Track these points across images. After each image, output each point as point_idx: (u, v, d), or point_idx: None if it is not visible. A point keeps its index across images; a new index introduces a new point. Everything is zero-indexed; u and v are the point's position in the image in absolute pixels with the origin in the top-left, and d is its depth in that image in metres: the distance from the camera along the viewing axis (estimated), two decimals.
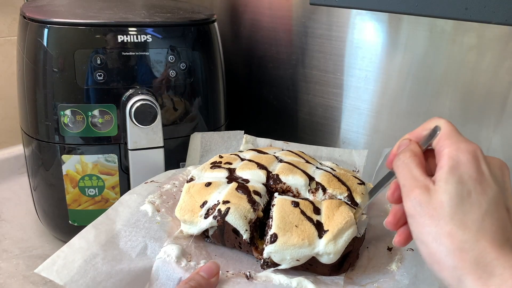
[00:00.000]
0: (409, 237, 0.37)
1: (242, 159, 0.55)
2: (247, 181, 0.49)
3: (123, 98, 0.62)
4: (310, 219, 0.44)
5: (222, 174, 0.51)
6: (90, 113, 0.61)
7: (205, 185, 0.49)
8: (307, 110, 0.83)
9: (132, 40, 0.61)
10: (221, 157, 0.56)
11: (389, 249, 0.48)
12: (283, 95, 0.86)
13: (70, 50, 0.59)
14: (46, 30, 0.59)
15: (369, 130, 0.77)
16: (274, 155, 0.55)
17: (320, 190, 0.49)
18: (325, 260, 0.43)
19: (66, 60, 0.60)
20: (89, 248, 0.43)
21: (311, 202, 0.47)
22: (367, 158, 0.64)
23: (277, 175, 0.50)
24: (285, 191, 0.49)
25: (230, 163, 0.54)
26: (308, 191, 0.49)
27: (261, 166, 0.52)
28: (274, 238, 0.43)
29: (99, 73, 0.60)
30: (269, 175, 0.50)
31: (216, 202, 0.46)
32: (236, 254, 0.47)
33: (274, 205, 0.46)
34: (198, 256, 0.45)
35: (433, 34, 0.66)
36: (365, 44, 0.73)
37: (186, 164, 0.66)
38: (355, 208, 0.47)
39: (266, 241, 0.43)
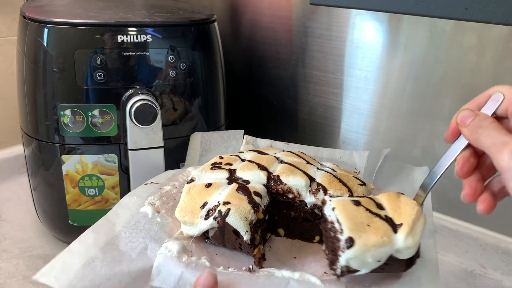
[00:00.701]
0: (493, 204, 0.38)
1: (243, 160, 0.55)
2: (247, 182, 0.49)
3: (123, 98, 0.62)
4: (378, 216, 0.41)
5: (223, 175, 0.51)
6: (90, 113, 0.61)
7: (206, 186, 0.49)
8: (307, 110, 0.83)
9: (132, 40, 0.61)
10: (221, 158, 0.56)
11: None
12: (283, 95, 0.86)
13: (70, 50, 0.59)
14: (46, 30, 0.59)
15: (369, 130, 0.77)
16: (275, 156, 0.55)
17: (321, 191, 0.49)
18: (404, 255, 0.40)
19: (66, 60, 0.60)
20: (87, 252, 0.42)
21: (371, 198, 0.44)
22: (368, 159, 0.64)
23: (278, 176, 0.50)
24: (286, 192, 0.49)
25: (231, 164, 0.54)
26: (309, 192, 0.49)
27: (261, 167, 0.51)
28: (351, 242, 0.39)
29: (99, 73, 0.60)
30: (269, 176, 0.50)
31: (216, 203, 0.46)
32: (237, 254, 0.47)
33: (334, 208, 0.42)
34: (199, 253, 0.45)
35: (433, 34, 0.66)
36: (365, 44, 0.73)
37: (185, 164, 0.66)
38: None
39: (341, 248, 0.40)
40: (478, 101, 0.40)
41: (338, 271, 0.41)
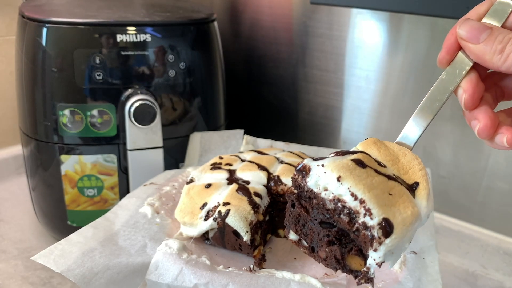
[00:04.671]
0: None
1: (243, 160, 0.54)
2: (247, 182, 0.49)
3: (122, 98, 0.61)
4: (390, 177, 0.30)
5: (222, 175, 0.51)
6: (89, 113, 0.61)
7: (205, 187, 0.48)
8: (307, 110, 0.83)
9: (131, 40, 0.61)
10: (221, 158, 0.55)
11: None
12: (284, 94, 0.85)
13: (69, 50, 0.59)
14: (44, 30, 0.59)
15: (370, 130, 0.76)
16: (275, 156, 0.55)
17: None
18: (419, 226, 0.30)
19: (65, 60, 0.59)
20: (87, 243, 0.43)
21: (364, 153, 0.32)
22: None
23: (278, 177, 0.50)
24: (286, 192, 0.49)
25: (230, 164, 0.53)
26: None
27: (261, 167, 0.51)
28: (389, 225, 0.27)
29: (98, 73, 0.60)
30: (270, 176, 0.50)
31: (216, 204, 0.46)
32: (237, 255, 0.47)
33: (340, 177, 0.28)
34: (199, 253, 0.45)
35: (434, 34, 0.66)
36: (366, 43, 0.72)
37: (185, 164, 0.66)
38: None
39: (375, 238, 0.27)
40: (477, 12, 0.32)
41: (372, 274, 0.29)
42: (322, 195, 0.30)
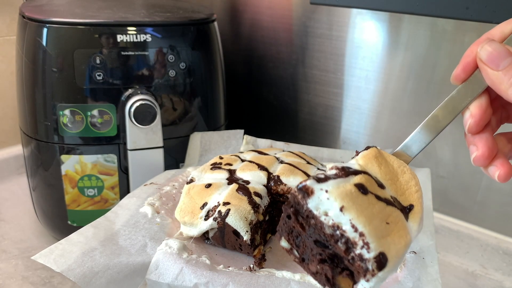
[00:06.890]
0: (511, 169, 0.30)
1: (243, 160, 0.54)
2: (247, 182, 0.49)
3: (122, 98, 0.61)
4: (388, 202, 0.30)
5: (222, 175, 0.51)
6: (89, 113, 0.61)
7: (205, 187, 0.49)
8: (307, 110, 0.83)
9: (131, 40, 0.61)
10: (221, 158, 0.56)
11: None
12: (283, 95, 0.85)
13: (69, 50, 0.59)
14: (45, 30, 0.59)
15: (370, 130, 0.77)
16: (275, 156, 0.55)
17: None
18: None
19: (65, 60, 0.59)
20: (87, 243, 0.43)
21: (367, 174, 0.31)
22: None
23: (278, 176, 0.50)
24: (286, 192, 0.49)
25: (231, 164, 0.53)
26: None
27: (261, 167, 0.51)
28: (384, 258, 0.27)
29: (98, 73, 0.60)
30: (270, 176, 0.50)
31: (216, 204, 0.46)
32: (237, 254, 0.47)
33: (343, 208, 0.28)
34: (199, 252, 0.45)
35: (434, 34, 0.66)
36: (365, 43, 0.72)
37: (185, 164, 0.66)
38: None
39: (369, 270, 0.28)
40: (502, 30, 0.29)
41: None
42: (322, 219, 0.29)
